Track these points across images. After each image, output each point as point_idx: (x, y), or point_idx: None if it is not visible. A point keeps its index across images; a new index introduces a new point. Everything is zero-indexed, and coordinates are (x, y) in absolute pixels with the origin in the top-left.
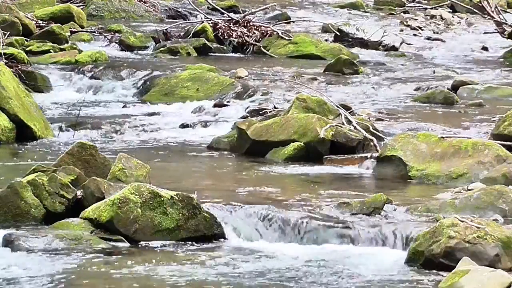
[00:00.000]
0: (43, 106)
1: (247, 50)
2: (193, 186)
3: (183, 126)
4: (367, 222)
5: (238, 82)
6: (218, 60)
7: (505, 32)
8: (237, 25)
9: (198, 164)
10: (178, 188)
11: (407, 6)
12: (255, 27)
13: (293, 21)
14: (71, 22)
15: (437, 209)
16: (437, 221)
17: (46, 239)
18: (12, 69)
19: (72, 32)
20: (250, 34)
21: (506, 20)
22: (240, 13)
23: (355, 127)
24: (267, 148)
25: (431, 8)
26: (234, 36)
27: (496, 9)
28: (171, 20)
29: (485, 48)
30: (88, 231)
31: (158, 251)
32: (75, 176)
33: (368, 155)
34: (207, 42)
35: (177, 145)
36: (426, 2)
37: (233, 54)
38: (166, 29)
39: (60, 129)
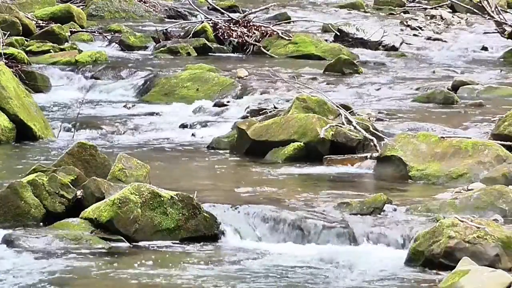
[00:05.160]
0: (43, 106)
1: (247, 50)
2: (193, 186)
3: (183, 126)
4: (367, 222)
5: (238, 82)
6: (218, 60)
7: (505, 32)
8: (237, 25)
9: (198, 164)
10: (178, 188)
11: (407, 6)
12: (255, 27)
13: (293, 21)
14: (71, 22)
15: (437, 209)
16: (437, 221)
17: (46, 239)
18: (12, 69)
19: (72, 32)
20: (250, 34)
21: (506, 20)
22: (240, 13)
23: (355, 127)
24: (267, 148)
25: (431, 8)
26: (234, 36)
27: (496, 9)
28: (171, 20)
29: (485, 48)
30: (88, 231)
31: (158, 251)
32: (75, 176)
33: (368, 155)
34: (207, 42)
35: (177, 145)
36: (426, 2)
37: (233, 54)
38: (166, 29)
39: (60, 129)
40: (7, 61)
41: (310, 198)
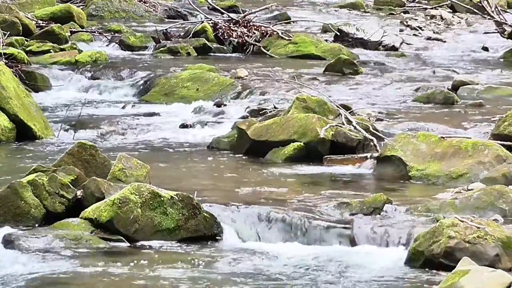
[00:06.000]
0: (43, 106)
1: (247, 50)
2: (193, 186)
3: (183, 126)
4: (367, 222)
5: (238, 82)
6: (218, 60)
7: (505, 32)
8: (237, 25)
9: (198, 164)
10: (178, 188)
11: (407, 6)
12: (255, 27)
13: (293, 21)
14: (71, 22)
15: (437, 209)
16: (437, 221)
17: (46, 239)
18: (12, 69)
19: (72, 32)
20: (250, 34)
21: (506, 20)
22: (240, 13)
23: (355, 127)
24: (267, 148)
25: (431, 8)
26: (234, 36)
27: (496, 9)
28: (171, 20)
29: (485, 48)
30: (88, 231)
31: (158, 251)
32: (75, 176)
33: (368, 155)
34: (207, 42)
35: (177, 145)
36: (426, 2)
37: (233, 54)
38: (166, 29)
39: (60, 129)
40: (7, 61)
41: (310, 198)
